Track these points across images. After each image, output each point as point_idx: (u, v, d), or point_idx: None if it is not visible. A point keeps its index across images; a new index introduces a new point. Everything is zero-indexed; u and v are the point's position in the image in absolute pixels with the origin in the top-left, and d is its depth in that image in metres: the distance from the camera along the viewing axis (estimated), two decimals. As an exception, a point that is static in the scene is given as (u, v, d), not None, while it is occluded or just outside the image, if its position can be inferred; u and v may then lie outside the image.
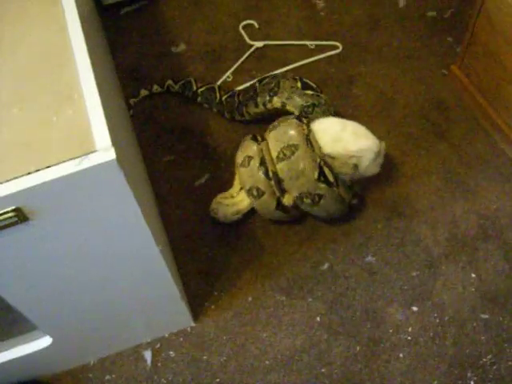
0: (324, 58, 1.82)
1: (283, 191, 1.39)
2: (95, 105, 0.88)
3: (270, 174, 1.36)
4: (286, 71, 1.78)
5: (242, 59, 1.84)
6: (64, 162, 0.81)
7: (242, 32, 1.92)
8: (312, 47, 1.85)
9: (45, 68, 0.96)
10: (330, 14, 1.94)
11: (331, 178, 1.34)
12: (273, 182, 1.37)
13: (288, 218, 1.46)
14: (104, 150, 0.82)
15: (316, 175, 1.33)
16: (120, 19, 1.98)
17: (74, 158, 0.81)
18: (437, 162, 1.59)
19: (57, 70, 0.95)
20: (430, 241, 1.45)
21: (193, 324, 1.37)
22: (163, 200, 1.56)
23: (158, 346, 1.34)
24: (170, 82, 1.75)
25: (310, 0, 1.98)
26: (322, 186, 1.34)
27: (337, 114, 1.53)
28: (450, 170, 1.57)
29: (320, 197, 1.35)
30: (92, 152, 0.82)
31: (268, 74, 1.64)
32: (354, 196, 1.43)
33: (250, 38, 1.88)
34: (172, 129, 1.69)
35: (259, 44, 1.88)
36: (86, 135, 0.85)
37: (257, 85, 1.59)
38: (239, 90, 1.69)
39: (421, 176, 1.56)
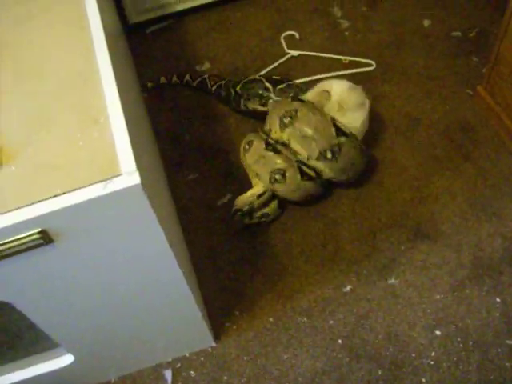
0: (349, 77, 1.82)
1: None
2: (121, 128, 0.89)
3: (259, 130, 1.55)
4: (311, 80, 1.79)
5: (275, 64, 1.88)
6: (89, 185, 0.83)
7: (283, 41, 1.95)
8: (346, 62, 1.85)
9: (72, 90, 0.98)
10: (354, 34, 1.94)
11: (303, 98, 1.52)
12: (261, 132, 1.53)
13: (285, 165, 1.46)
14: (128, 174, 0.83)
15: (290, 99, 1.51)
16: (146, 38, 2.01)
17: (98, 182, 0.83)
18: (462, 183, 1.57)
19: (84, 93, 0.97)
20: (454, 264, 1.43)
21: (213, 344, 1.37)
22: (186, 218, 1.56)
23: (179, 365, 1.35)
24: (187, 77, 1.82)
25: (334, 20, 1.99)
26: (295, 103, 1.48)
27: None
28: (474, 191, 1.55)
29: (296, 112, 1.46)
30: (117, 176, 0.83)
31: (276, 77, 1.69)
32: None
33: (278, 53, 1.89)
34: (196, 147, 1.70)
35: (295, 53, 1.90)
36: (111, 159, 0.86)
37: (269, 86, 1.64)
38: (235, 81, 1.72)
39: (445, 197, 1.54)
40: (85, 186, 0.83)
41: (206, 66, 1.92)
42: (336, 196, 1.58)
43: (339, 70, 1.84)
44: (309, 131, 1.44)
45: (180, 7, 2.01)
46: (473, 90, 1.75)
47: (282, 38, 1.95)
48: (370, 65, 1.83)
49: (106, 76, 0.98)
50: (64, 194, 0.83)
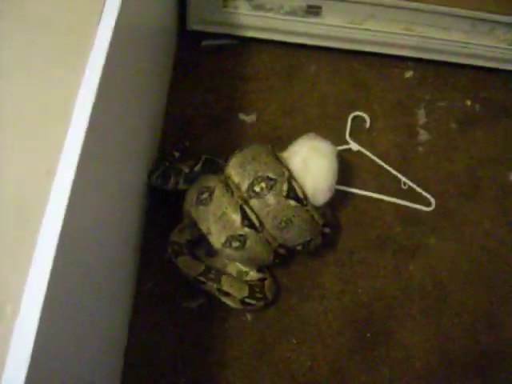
0: (398, 206, 1.51)
1: None
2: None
3: None
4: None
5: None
6: None
7: (349, 123, 1.61)
8: (405, 187, 1.53)
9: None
10: (428, 153, 1.61)
11: None
12: None
13: (215, 184, 1.25)
14: None
15: None
16: (197, 52, 1.68)
17: None
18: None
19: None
20: None
21: None
22: (140, 308, 1.30)
23: None
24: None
25: (414, 125, 1.65)
26: None
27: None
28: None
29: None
30: None
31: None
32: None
33: (336, 137, 1.57)
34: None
35: (354, 146, 1.58)
36: None
37: None
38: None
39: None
40: None
41: (251, 118, 1.60)
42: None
43: (391, 192, 1.52)
44: (248, 158, 1.25)
45: (250, 33, 1.67)
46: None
47: (350, 117, 1.62)
48: (428, 204, 1.51)
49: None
50: None
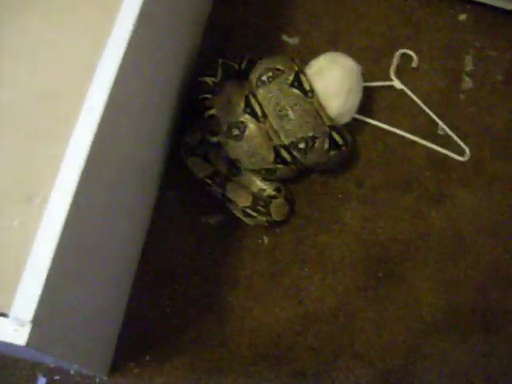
0: (430, 150, 1.48)
1: None
2: (49, 238, 0.62)
3: None
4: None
5: (366, 84, 1.46)
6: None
7: (395, 58, 1.56)
8: (441, 133, 1.50)
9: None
10: (470, 102, 1.55)
11: None
12: None
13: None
14: (18, 321, 0.58)
15: None
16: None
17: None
18: (459, 354, 1.31)
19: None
20: None
21: (104, 377, 1.18)
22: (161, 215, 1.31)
23: (57, 377, 1.17)
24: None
25: (460, 71, 1.59)
26: None
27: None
28: (470, 367, 1.30)
29: None
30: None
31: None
32: None
33: (380, 72, 1.54)
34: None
35: (398, 84, 1.53)
36: (15, 274, 0.60)
37: None
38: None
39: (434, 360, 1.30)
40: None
41: (295, 41, 1.55)
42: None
43: (426, 136, 1.49)
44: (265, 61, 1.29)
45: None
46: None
47: (397, 53, 1.56)
48: (462, 153, 1.48)
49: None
50: None
